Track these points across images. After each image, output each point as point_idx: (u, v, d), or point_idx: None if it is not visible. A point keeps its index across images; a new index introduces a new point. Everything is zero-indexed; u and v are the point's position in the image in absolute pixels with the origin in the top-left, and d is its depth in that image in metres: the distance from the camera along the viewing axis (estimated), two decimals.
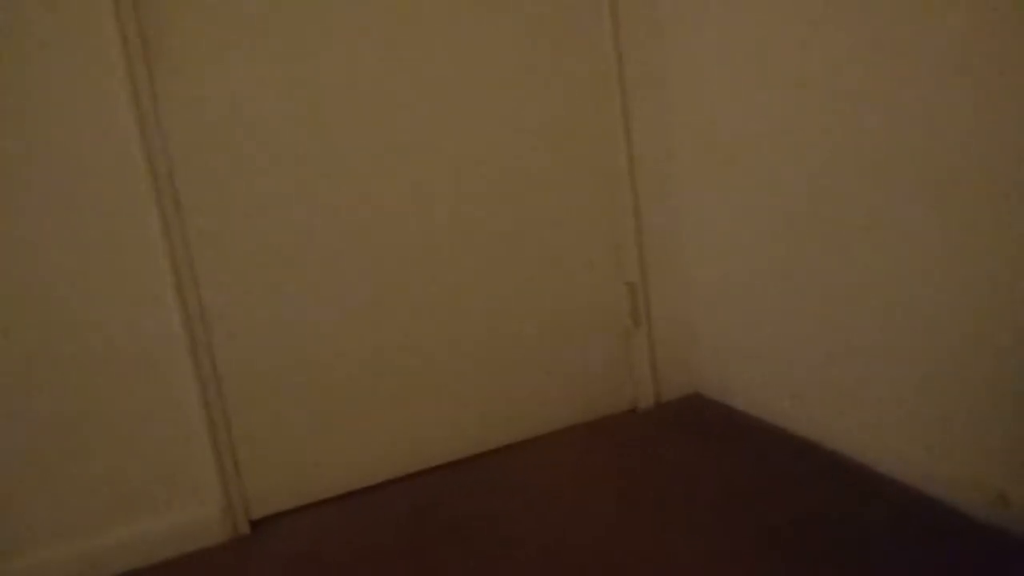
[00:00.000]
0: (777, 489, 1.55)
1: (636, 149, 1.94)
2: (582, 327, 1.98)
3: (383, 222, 1.74)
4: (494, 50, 1.79)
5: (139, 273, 1.53)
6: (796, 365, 1.75)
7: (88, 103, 1.46)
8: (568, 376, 1.98)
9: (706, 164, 1.90)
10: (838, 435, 1.65)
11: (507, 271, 1.88)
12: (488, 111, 1.81)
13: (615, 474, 1.71)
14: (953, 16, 1.24)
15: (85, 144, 1.47)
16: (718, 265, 1.94)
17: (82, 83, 1.45)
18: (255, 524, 1.70)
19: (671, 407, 2.05)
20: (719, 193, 1.88)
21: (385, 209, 1.74)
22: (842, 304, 1.58)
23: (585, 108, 1.90)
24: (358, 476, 1.79)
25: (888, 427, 1.53)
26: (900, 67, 1.34)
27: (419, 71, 1.73)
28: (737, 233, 1.84)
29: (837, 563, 1.29)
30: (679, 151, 1.98)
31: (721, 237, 1.90)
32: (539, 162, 1.88)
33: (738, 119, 1.76)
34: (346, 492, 1.78)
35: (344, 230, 1.71)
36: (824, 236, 1.59)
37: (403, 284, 1.78)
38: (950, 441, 1.40)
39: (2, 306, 1.44)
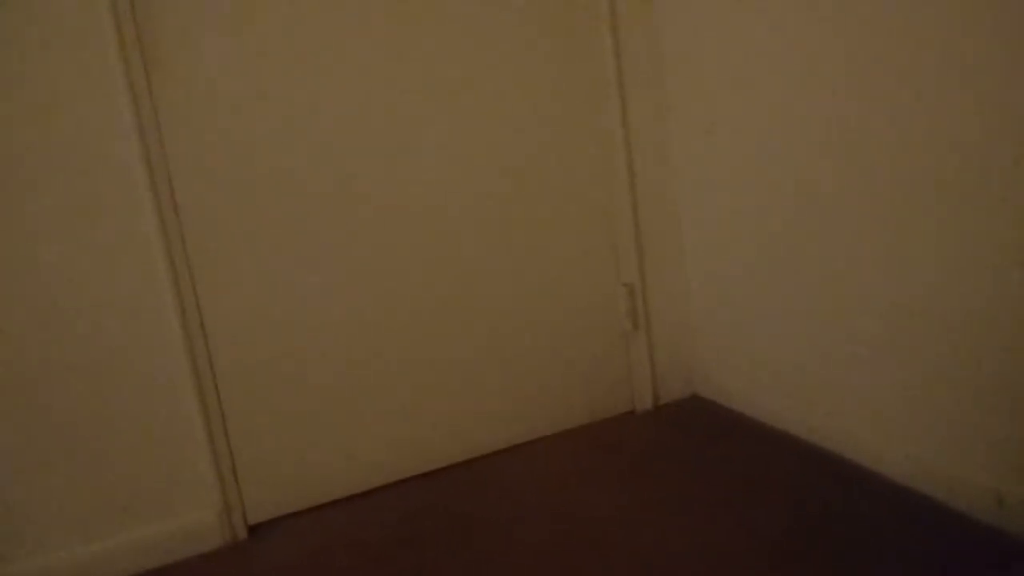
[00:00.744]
0: (776, 490, 1.55)
1: (634, 151, 1.94)
2: (581, 329, 1.98)
3: (382, 225, 1.75)
4: (493, 52, 1.80)
5: (137, 276, 1.54)
6: (795, 367, 1.74)
7: (87, 105, 1.46)
8: (567, 378, 1.98)
9: (705, 165, 1.90)
10: (836, 436, 1.65)
11: (505, 274, 1.88)
12: (486, 112, 1.81)
13: (614, 476, 1.71)
14: (953, 10, 1.23)
15: (83, 146, 1.47)
16: (717, 267, 1.94)
17: (81, 85, 1.46)
18: (253, 529, 1.70)
19: (670, 409, 2.04)
20: (718, 195, 1.87)
21: (384, 212, 1.75)
22: (841, 306, 1.57)
23: (583, 110, 1.90)
24: (357, 480, 1.79)
25: (886, 429, 1.52)
26: (903, 65, 1.34)
27: (419, 74, 1.74)
28: (736, 235, 1.84)
29: (835, 563, 1.28)
30: (678, 153, 1.98)
31: (720, 239, 1.90)
32: (536, 164, 1.88)
33: (738, 120, 1.76)
34: (345, 496, 1.78)
35: (343, 232, 1.71)
36: (824, 238, 1.58)
37: (402, 289, 1.78)
38: (947, 442, 1.40)
39: None
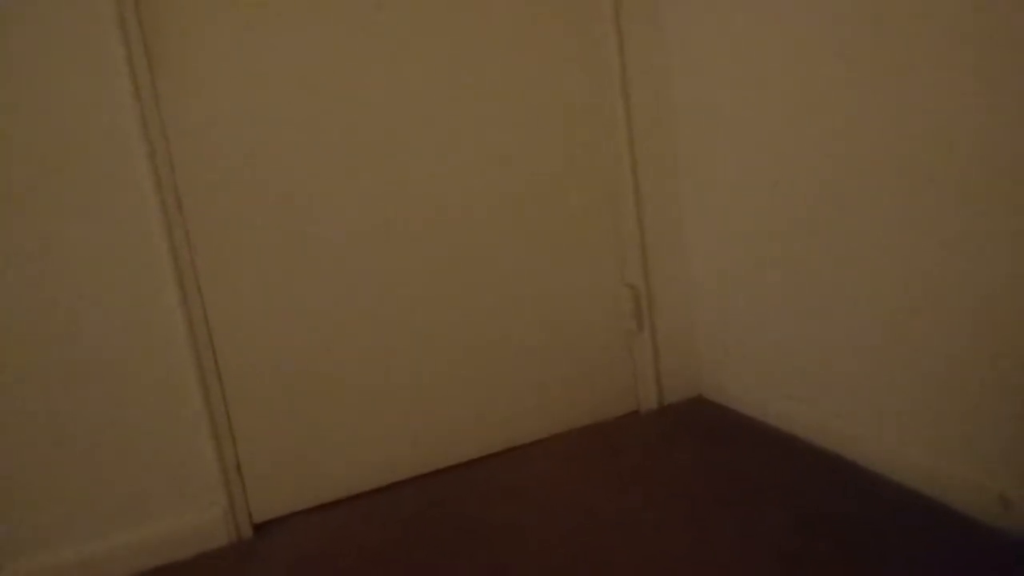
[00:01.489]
0: (779, 491, 1.55)
1: (639, 151, 1.95)
2: (585, 330, 1.98)
3: (385, 226, 1.75)
4: (497, 53, 1.80)
5: (141, 276, 1.54)
6: (798, 368, 1.74)
7: (91, 104, 1.47)
8: (571, 379, 1.98)
9: (709, 167, 1.90)
10: (840, 437, 1.65)
11: (509, 274, 1.88)
12: (489, 114, 1.81)
13: (618, 477, 1.71)
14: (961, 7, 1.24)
15: (88, 146, 1.48)
16: (721, 268, 1.94)
17: (85, 84, 1.47)
18: (258, 527, 1.71)
19: (674, 410, 2.05)
20: (722, 197, 1.87)
21: (388, 211, 1.75)
22: (844, 307, 1.57)
23: (587, 110, 1.91)
24: (361, 479, 1.80)
25: (889, 429, 1.52)
26: (907, 66, 1.34)
27: (425, 75, 1.74)
28: (740, 236, 1.84)
29: (838, 564, 1.28)
30: (682, 154, 1.98)
31: (724, 240, 1.90)
32: (541, 165, 1.88)
33: (742, 120, 1.76)
34: (349, 495, 1.79)
35: (347, 232, 1.72)
36: (827, 239, 1.58)
37: (407, 290, 1.79)
38: (950, 443, 1.40)
39: (3, 308, 1.46)
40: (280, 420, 1.71)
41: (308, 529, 1.67)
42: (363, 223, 1.73)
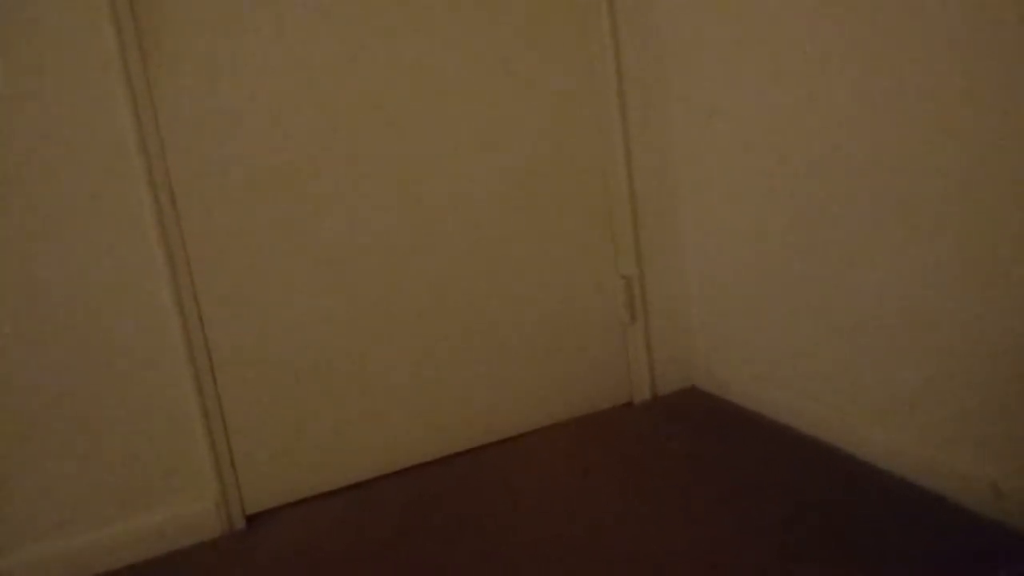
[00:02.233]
0: (773, 482, 1.55)
1: (633, 143, 1.94)
2: (578, 321, 1.98)
3: (379, 219, 1.74)
4: (491, 47, 1.79)
5: (135, 269, 1.53)
6: (793, 359, 1.74)
7: (86, 103, 1.46)
8: (564, 370, 1.98)
9: (704, 158, 1.89)
10: (833, 428, 1.65)
11: (503, 265, 1.88)
12: (484, 107, 1.80)
13: (612, 468, 1.71)
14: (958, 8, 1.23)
15: (82, 144, 1.47)
16: (715, 258, 1.94)
17: (81, 83, 1.45)
18: (251, 519, 1.70)
19: (668, 401, 2.05)
20: (716, 186, 1.87)
21: (381, 205, 1.74)
22: (839, 297, 1.57)
23: (581, 101, 1.90)
24: (355, 471, 1.79)
25: (884, 420, 1.53)
26: (910, 56, 1.34)
27: (419, 72, 1.73)
28: (734, 226, 1.84)
29: (832, 555, 1.29)
30: (677, 145, 1.97)
31: (718, 230, 1.90)
32: (535, 156, 1.87)
33: (737, 113, 1.75)
34: (343, 486, 1.79)
35: (341, 224, 1.71)
36: (823, 230, 1.58)
37: (400, 282, 1.78)
38: (944, 433, 1.40)
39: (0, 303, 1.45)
40: (273, 412, 1.70)
41: (301, 520, 1.67)
42: (358, 216, 1.72)
